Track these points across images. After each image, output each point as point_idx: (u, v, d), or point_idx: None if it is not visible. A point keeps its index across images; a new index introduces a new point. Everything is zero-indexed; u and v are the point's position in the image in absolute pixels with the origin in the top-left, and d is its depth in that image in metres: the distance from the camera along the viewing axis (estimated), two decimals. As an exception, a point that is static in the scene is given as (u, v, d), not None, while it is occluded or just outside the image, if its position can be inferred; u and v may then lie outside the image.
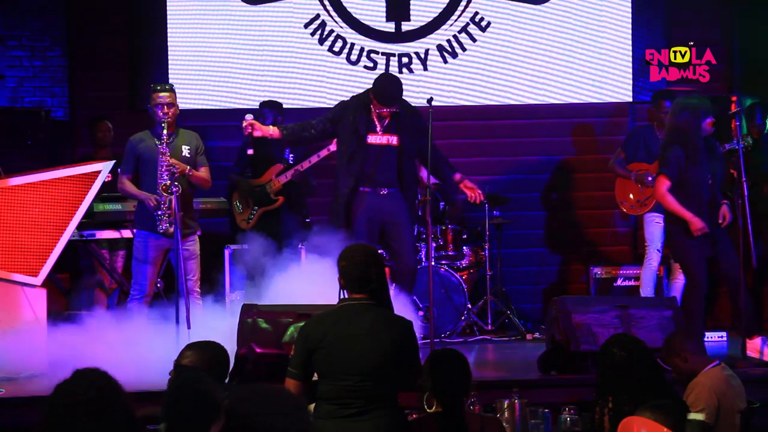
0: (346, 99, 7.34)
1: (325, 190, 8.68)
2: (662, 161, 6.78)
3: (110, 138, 8.57)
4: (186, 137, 7.18)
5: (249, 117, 7.17)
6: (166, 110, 6.95)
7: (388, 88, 6.99)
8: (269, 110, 8.48)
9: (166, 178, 6.87)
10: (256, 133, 7.12)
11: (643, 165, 8.11)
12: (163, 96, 6.99)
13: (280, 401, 2.82)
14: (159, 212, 6.88)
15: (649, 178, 8.03)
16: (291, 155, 8.35)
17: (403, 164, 6.98)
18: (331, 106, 9.21)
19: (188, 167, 7.03)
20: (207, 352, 4.29)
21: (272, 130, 7.19)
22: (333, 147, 8.19)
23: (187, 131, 7.31)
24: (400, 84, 7.08)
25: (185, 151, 7.09)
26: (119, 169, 7.23)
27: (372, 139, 6.98)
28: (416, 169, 7.26)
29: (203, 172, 7.20)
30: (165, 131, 6.91)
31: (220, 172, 8.44)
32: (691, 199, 6.71)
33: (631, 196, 8.18)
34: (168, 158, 6.90)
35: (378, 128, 6.96)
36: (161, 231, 6.88)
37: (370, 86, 7.16)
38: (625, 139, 8.48)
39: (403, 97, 7.15)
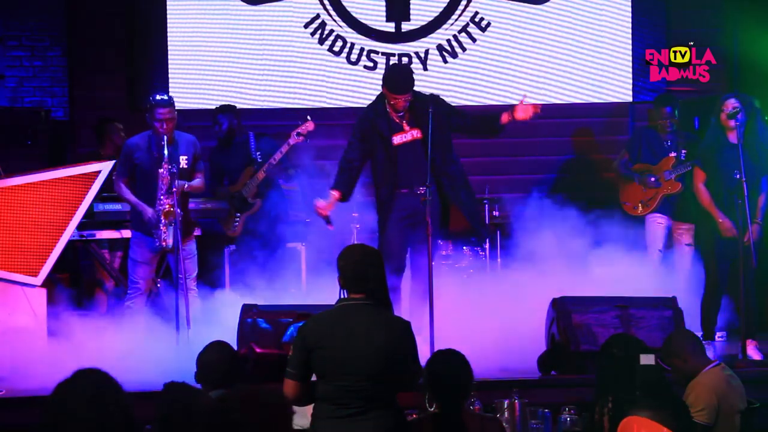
0: (361, 108, 7.20)
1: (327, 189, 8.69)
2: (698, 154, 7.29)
3: (122, 139, 8.52)
4: (184, 146, 7.13)
5: (321, 203, 6.94)
6: (165, 127, 6.90)
7: (398, 74, 6.94)
8: (224, 116, 8.43)
9: (165, 203, 6.85)
10: (327, 212, 6.95)
11: (648, 166, 8.11)
12: (163, 112, 6.91)
13: (262, 399, 2.84)
14: (158, 230, 6.88)
15: (652, 179, 8.03)
16: (258, 153, 8.32)
17: (429, 156, 6.81)
18: (331, 106, 9.29)
19: (186, 184, 7.01)
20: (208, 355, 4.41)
21: (332, 198, 6.94)
22: (292, 141, 8.10)
23: (184, 136, 7.23)
24: (410, 70, 6.99)
25: (183, 161, 7.07)
26: (115, 173, 7.20)
27: (397, 139, 6.89)
28: (449, 156, 6.99)
29: (197, 182, 7.19)
30: (165, 150, 6.86)
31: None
32: (713, 193, 6.95)
33: (635, 197, 8.18)
34: (167, 181, 6.85)
35: (402, 125, 6.89)
36: (157, 245, 6.91)
37: (381, 88, 7.05)
38: (629, 140, 8.48)
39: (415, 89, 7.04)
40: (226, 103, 8.73)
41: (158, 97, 7.03)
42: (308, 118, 8.11)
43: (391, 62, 9.34)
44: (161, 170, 6.87)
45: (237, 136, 8.41)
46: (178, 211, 6.80)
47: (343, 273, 4.40)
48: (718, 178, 6.92)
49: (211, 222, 8.69)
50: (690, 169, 7.79)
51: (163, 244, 6.88)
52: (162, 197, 6.88)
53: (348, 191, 6.97)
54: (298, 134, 8.01)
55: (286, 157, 8.21)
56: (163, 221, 6.86)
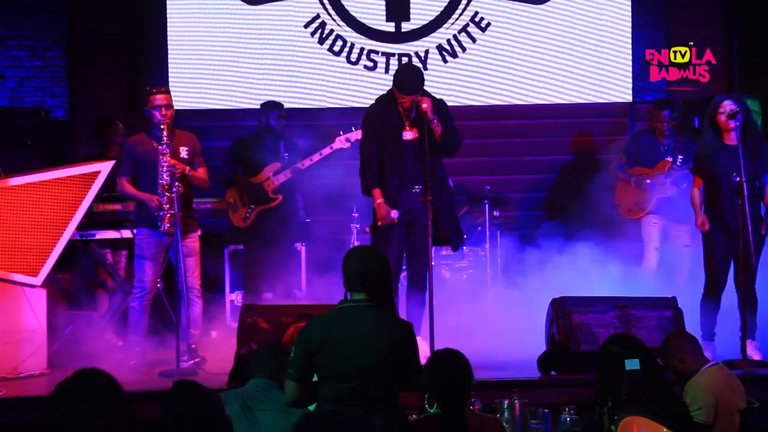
0: (361, 108, 7.19)
1: (328, 189, 8.69)
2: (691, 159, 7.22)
3: (124, 138, 8.51)
4: (183, 138, 7.19)
5: (387, 213, 6.80)
6: (164, 112, 6.95)
7: (409, 75, 6.92)
8: (273, 111, 8.42)
9: (166, 178, 6.88)
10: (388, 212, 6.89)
11: (644, 169, 8.13)
12: (160, 98, 6.99)
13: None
14: (161, 212, 6.89)
15: (648, 181, 8.05)
16: (286, 153, 8.33)
17: (427, 157, 6.78)
18: (331, 106, 9.29)
19: (188, 167, 7.04)
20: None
21: (380, 199, 6.79)
22: (336, 145, 8.18)
23: (184, 132, 7.31)
24: (421, 72, 6.97)
25: (183, 152, 7.10)
26: (118, 172, 7.21)
27: (405, 135, 6.89)
28: (440, 160, 6.96)
29: (201, 173, 7.21)
30: (164, 133, 6.92)
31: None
32: (712, 195, 6.89)
33: (630, 199, 8.19)
34: (168, 158, 6.91)
35: (407, 124, 6.89)
36: (164, 230, 6.89)
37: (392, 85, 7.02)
38: (627, 143, 8.49)
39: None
40: (221, 103, 8.73)
41: (154, 87, 7.11)
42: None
43: (392, 62, 9.34)
44: (160, 147, 6.88)
45: (276, 134, 8.37)
46: (176, 185, 6.80)
47: (345, 274, 4.40)
48: (717, 181, 6.89)
49: (215, 222, 8.69)
50: (685, 173, 7.82)
51: (166, 225, 6.86)
52: (164, 174, 6.88)
53: (382, 183, 6.88)
54: (347, 140, 8.04)
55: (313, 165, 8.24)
56: (165, 199, 6.85)
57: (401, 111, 6.84)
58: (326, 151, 8.17)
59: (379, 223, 6.82)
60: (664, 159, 8.06)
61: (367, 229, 7.06)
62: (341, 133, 8.17)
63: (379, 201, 6.81)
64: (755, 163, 6.83)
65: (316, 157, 8.20)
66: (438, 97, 7.14)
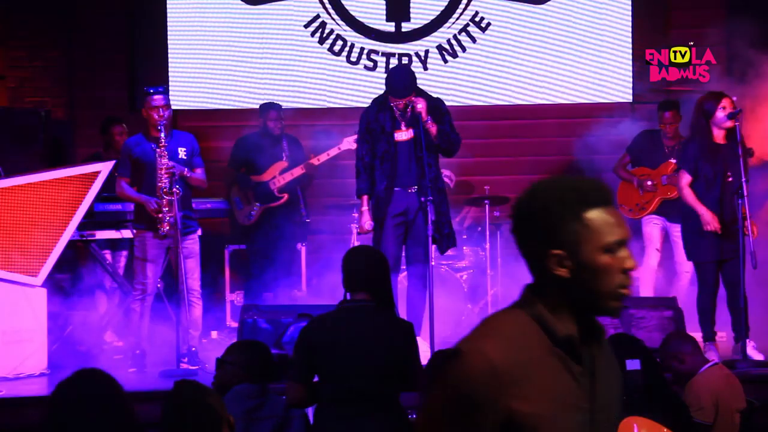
0: (361, 108, 7.18)
1: (328, 189, 8.69)
2: (683, 157, 6.99)
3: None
4: (181, 139, 7.17)
5: (366, 223, 6.82)
6: (161, 113, 6.93)
7: (399, 78, 6.92)
8: (274, 111, 8.43)
9: (165, 180, 6.86)
10: (370, 224, 6.86)
11: (646, 170, 8.12)
12: (158, 99, 6.97)
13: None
14: (160, 215, 6.88)
15: (649, 183, 8.04)
16: (288, 152, 8.33)
17: (424, 158, 6.78)
18: (331, 106, 9.29)
19: (186, 169, 7.03)
20: (249, 351, 4.45)
21: (365, 206, 6.83)
22: (344, 146, 8.18)
23: (182, 132, 7.29)
24: (413, 74, 6.96)
25: (181, 153, 7.09)
26: (116, 174, 7.19)
27: (398, 136, 6.89)
28: (436, 161, 6.91)
29: (199, 174, 7.19)
30: (162, 134, 6.90)
31: (221, 172, 8.44)
32: (702, 195, 6.81)
33: (631, 200, 8.19)
34: (167, 161, 6.89)
35: (402, 124, 6.88)
36: (162, 234, 6.88)
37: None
38: (631, 143, 8.48)
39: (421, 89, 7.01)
40: (221, 104, 8.74)
41: (152, 88, 7.08)
42: None
43: (392, 62, 9.34)
44: (158, 150, 6.87)
45: (278, 134, 8.37)
46: (177, 191, 6.80)
47: (345, 275, 4.40)
48: (708, 180, 6.85)
49: (215, 222, 8.69)
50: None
51: (166, 228, 6.85)
52: (163, 177, 6.86)
53: (372, 189, 6.89)
54: (355, 141, 8.04)
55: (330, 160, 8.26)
56: (164, 201, 6.84)
57: (395, 112, 6.84)
58: (334, 151, 8.19)
59: (357, 230, 7.00)
60: (667, 161, 8.04)
61: (359, 230, 7.06)
62: (349, 134, 8.16)
63: (363, 209, 6.86)
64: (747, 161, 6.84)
65: (323, 157, 8.21)
66: (438, 96, 7.14)
